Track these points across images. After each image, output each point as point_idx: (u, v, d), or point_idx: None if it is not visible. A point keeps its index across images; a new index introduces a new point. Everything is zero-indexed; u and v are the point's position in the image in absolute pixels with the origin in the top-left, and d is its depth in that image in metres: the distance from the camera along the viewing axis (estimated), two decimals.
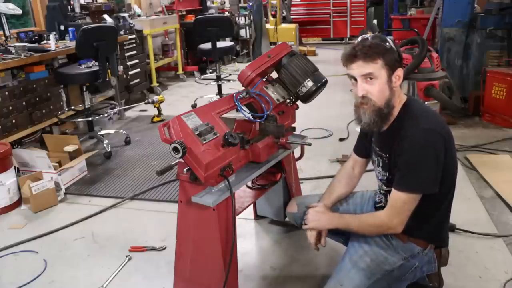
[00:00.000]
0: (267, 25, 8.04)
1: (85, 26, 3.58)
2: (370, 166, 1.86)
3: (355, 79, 1.53)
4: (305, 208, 1.84)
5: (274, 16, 8.01)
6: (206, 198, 1.60)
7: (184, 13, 7.05)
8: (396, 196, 1.52)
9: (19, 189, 2.88)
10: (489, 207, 2.61)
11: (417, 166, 1.47)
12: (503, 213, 2.55)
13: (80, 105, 4.14)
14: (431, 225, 1.61)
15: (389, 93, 1.52)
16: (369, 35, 1.55)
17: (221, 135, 1.62)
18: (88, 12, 5.11)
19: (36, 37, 4.12)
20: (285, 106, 2.02)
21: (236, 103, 1.85)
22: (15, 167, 2.95)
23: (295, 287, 2.03)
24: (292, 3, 9.90)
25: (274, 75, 2.07)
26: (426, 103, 3.52)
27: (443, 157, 1.47)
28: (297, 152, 2.26)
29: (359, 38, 1.55)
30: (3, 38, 3.93)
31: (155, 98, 4.60)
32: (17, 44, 3.67)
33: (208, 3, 7.86)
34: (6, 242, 2.45)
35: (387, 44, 1.50)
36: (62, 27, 4.48)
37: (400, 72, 1.53)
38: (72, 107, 4.18)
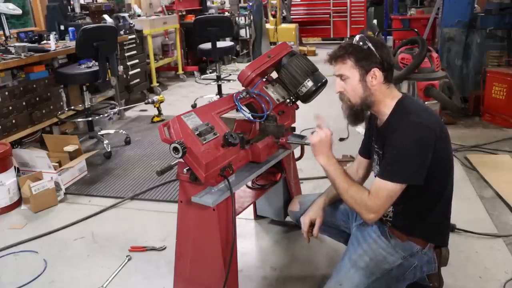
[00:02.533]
0: (267, 25, 8.04)
1: (85, 26, 3.58)
2: None
3: None
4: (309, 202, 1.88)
5: (274, 16, 8.01)
6: (206, 198, 1.60)
7: (184, 13, 7.05)
8: (379, 184, 1.52)
9: (19, 189, 2.88)
10: (489, 207, 2.61)
11: (401, 156, 1.49)
12: (503, 213, 2.55)
13: (80, 105, 4.14)
14: (429, 223, 1.61)
15: (364, 91, 1.57)
16: (357, 36, 1.59)
17: (221, 135, 1.62)
18: (88, 12, 5.11)
19: (36, 37, 4.12)
20: (285, 106, 2.02)
21: (236, 103, 1.85)
22: (15, 167, 2.95)
23: (295, 287, 2.03)
24: (292, 3, 9.90)
25: (274, 75, 2.07)
26: (426, 103, 3.52)
27: (432, 151, 1.48)
28: (297, 152, 2.26)
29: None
30: (3, 38, 3.93)
31: (155, 98, 4.60)
32: (17, 44, 3.67)
33: (208, 3, 7.86)
34: (6, 242, 2.45)
35: (366, 45, 1.54)
36: (62, 27, 4.48)
37: (377, 71, 1.54)
38: (72, 107, 4.18)
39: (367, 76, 1.55)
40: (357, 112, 1.61)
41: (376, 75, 1.55)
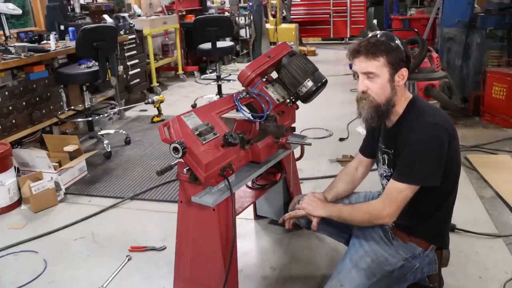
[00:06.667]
0: (267, 25, 8.04)
1: (85, 26, 3.58)
2: (373, 167, 1.87)
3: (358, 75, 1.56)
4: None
5: (274, 16, 8.01)
6: (206, 198, 1.60)
7: (184, 13, 7.05)
8: (393, 186, 1.52)
9: (19, 189, 2.88)
10: (489, 207, 2.61)
11: (418, 158, 1.48)
12: (503, 213, 2.55)
13: (80, 105, 4.14)
14: (432, 225, 1.61)
15: (391, 92, 1.53)
16: (379, 32, 1.56)
17: (221, 135, 1.62)
18: (88, 12, 5.11)
19: (36, 37, 4.12)
20: (285, 106, 2.02)
21: (236, 103, 1.85)
22: (15, 167, 2.95)
23: (295, 287, 2.03)
24: (292, 3, 9.90)
25: (274, 75, 2.07)
26: (429, 103, 3.53)
27: (446, 152, 1.48)
28: (297, 152, 2.26)
29: (370, 34, 1.57)
30: (3, 38, 3.93)
31: (155, 98, 4.60)
32: (17, 44, 3.67)
33: (208, 3, 7.86)
34: (6, 242, 2.45)
35: (394, 42, 1.51)
36: (62, 27, 4.48)
37: (404, 71, 1.53)
38: (72, 107, 4.18)
39: (396, 76, 1.52)
40: (381, 113, 1.55)
41: (403, 75, 1.53)
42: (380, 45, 1.49)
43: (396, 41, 1.51)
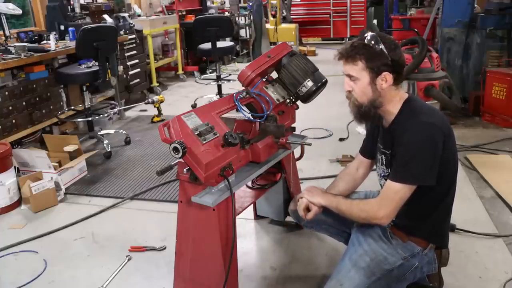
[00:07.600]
0: (267, 25, 8.04)
1: (85, 26, 3.58)
2: (374, 167, 1.87)
3: None
4: None
5: (274, 16, 8.01)
6: (206, 198, 1.60)
7: (184, 13, 7.05)
8: (389, 186, 1.52)
9: (19, 189, 2.88)
10: (489, 207, 2.61)
11: (413, 158, 1.48)
12: (503, 213, 2.55)
13: (80, 105, 4.14)
14: (430, 224, 1.62)
15: (373, 94, 1.54)
16: (369, 34, 1.55)
17: (221, 135, 1.62)
18: (88, 12, 5.11)
19: (36, 37, 4.12)
20: (285, 106, 2.02)
21: (236, 103, 1.85)
22: (15, 167, 2.95)
23: (295, 287, 2.03)
24: (292, 3, 9.90)
25: (274, 75, 2.07)
26: (426, 103, 3.53)
27: (441, 151, 1.48)
28: (297, 152, 2.26)
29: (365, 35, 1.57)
30: (3, 38, 3.92)
31: (155, 98, 4.60)
32: (17, 44, 3.67)
33: (208, 3, 7.86)
34: (6, 242, 2.45)
35: (377, 46, 1.50)
36: (62, 27, 4.48)
37: (387, 75, 1.52)
38: (72, 107, 4.18)
39: (377, 79, 1.52)
40: (363, 113, 1.59)
41: (386, 79, 1.52)
42: (360, 50, 1.51)
43: (381, 46, 1.50)
